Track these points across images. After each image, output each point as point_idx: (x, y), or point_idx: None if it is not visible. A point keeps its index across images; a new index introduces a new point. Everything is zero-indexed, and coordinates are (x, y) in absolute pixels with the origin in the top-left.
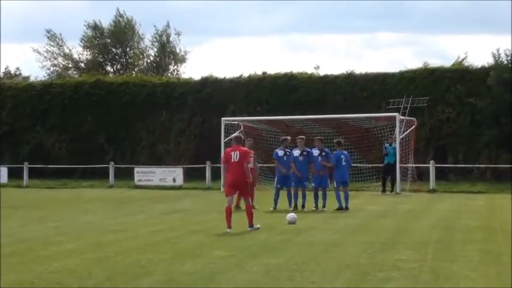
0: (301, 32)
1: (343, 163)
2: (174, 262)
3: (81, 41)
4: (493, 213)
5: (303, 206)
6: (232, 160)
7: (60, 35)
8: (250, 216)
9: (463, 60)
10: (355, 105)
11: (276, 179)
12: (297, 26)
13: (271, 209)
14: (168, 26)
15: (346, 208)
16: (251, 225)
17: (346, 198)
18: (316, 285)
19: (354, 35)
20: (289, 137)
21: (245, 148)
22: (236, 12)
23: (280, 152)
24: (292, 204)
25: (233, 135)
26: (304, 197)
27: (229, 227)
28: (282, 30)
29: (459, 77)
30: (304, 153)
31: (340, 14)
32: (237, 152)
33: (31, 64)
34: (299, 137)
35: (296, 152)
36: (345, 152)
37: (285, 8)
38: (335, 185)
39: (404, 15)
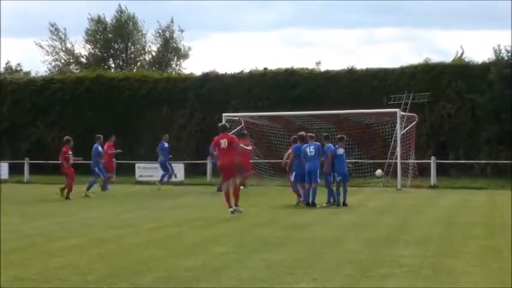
0: (300, 27)
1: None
2: (175, 258)
3: (85, 34)
4: (494, 209)
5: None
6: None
7: (64, 29)
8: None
9: (461, 55)
10: (356, 101)
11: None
12: (296, 21)
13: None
14: (172, 21)
15: (338, 204)
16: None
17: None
18: (317, 281)
19: (352, 30)
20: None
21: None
22: (236, 8)
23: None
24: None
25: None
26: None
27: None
28: (282, 25)
29: (459, 72)
30: None
31: (339, 9)
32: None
33: (32, 60)
34: (309, 134)
35: None
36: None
37: (284, 3)
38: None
39: (403, 10)
